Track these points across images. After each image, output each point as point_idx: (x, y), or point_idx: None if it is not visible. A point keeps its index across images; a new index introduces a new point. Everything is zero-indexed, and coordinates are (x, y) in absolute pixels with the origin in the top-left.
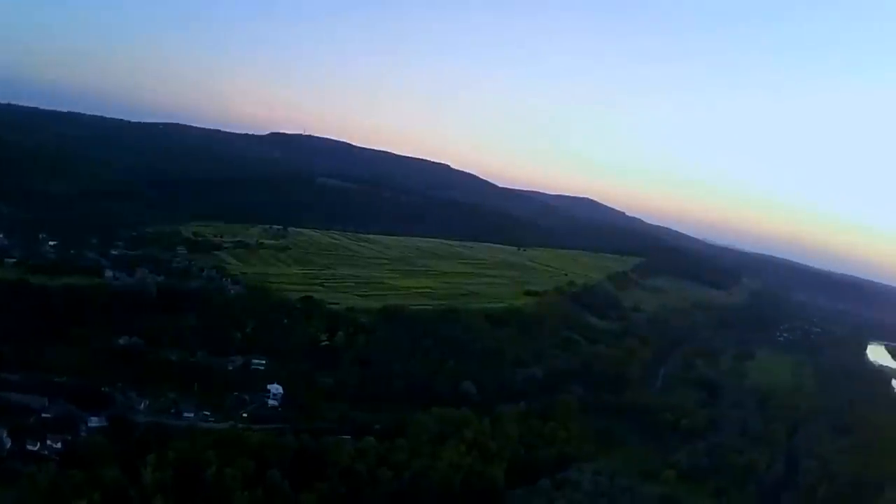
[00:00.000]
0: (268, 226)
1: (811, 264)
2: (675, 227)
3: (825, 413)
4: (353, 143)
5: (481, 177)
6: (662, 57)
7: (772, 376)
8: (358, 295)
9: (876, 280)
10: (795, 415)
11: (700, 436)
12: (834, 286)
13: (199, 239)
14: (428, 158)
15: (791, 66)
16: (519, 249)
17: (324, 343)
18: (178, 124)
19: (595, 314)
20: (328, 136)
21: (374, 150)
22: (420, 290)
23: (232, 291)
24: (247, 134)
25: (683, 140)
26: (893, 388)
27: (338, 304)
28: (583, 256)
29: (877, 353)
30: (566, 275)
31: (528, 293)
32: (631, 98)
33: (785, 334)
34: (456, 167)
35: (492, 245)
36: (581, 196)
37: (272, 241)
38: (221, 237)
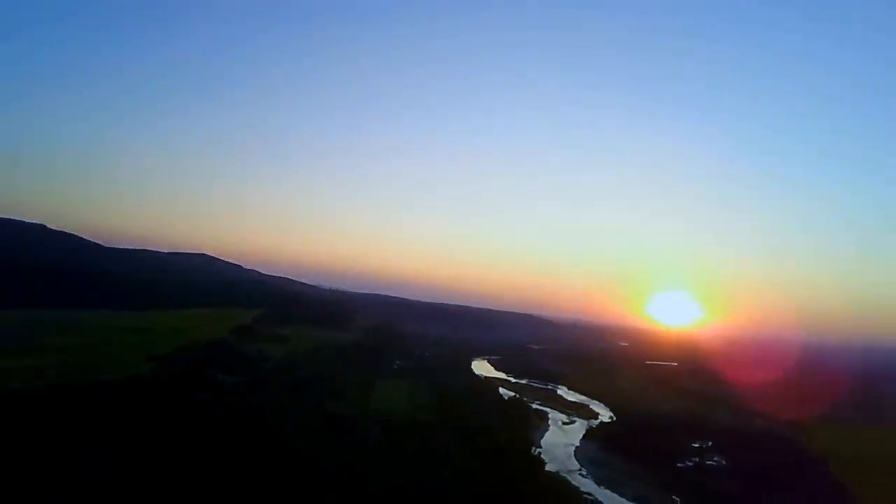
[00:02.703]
0: None
1: (417, 298)
2: (290, 276)
3: (446, 425)
4: None
5: (81, 235)
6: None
7: (393, 402)
8: None
9: (474, 305)
10: (420, 432)
11: (338, 470)
12: (439, 315)
13: None
14: (14, 217)
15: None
16: (138, 312)
17: None
18: None
19: (223, 370)
20: None
21: None
22: (23, 371)
23: None
24: None
25: (289, 189)
26: (500, 393)
27: None
28: (204, 313)
29: (481, 367)
30: (190, 333)
31: (151, 358)
32: (238, 150)
33: (398, 362)
34: (52, 226)
35: (105, 312)
36: (196, 252)
37: None
38: None
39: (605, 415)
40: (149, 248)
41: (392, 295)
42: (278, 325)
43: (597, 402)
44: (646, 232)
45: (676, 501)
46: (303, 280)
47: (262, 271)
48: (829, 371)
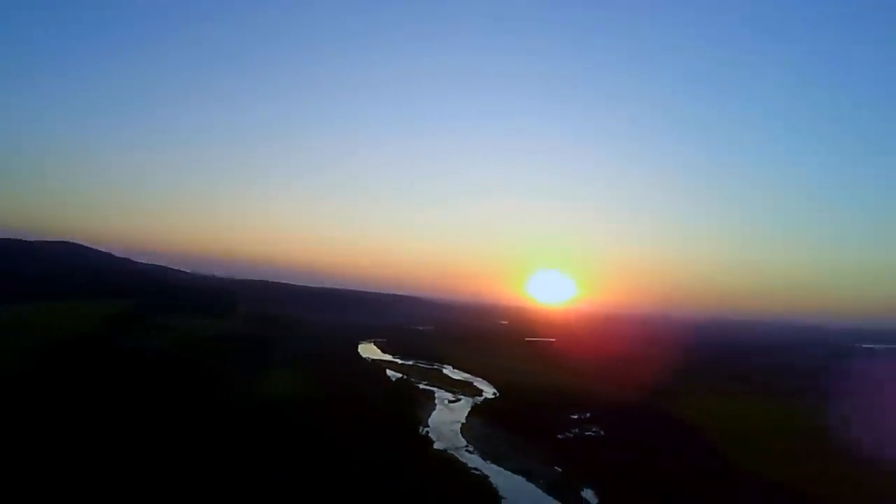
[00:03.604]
0: None
1: (300, 283)
2: (166, 263)
3: (333, 410)
4: None
5: None
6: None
7: (279, 390)
8: None
9: (358, 289)
10: (307, 418)
11: (225, 461)
12: (324, 300)
13: None
14: None
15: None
16: None
17: None
18: None
19: (99, 365)
20: None
21: None
22: None
23: None
24: None
25: (161, 172)
26: (387, 375)
27: None
28: (73, 305)
29: (367, 350)
30: (57, 328)
31: (15, 354)
32: (105, 131)
33: (283, 349)
34: None
35: None
36: (61, 239)
37: None
38: None
39: (488, 391)
40: (8, 237)
41: (273, 281)
42: (155, 316)
43: (481, 380)
44: (522, 214)
45: (558, 471)
46: (179, 267)
47: (135, 259)
48: (694, 345)
